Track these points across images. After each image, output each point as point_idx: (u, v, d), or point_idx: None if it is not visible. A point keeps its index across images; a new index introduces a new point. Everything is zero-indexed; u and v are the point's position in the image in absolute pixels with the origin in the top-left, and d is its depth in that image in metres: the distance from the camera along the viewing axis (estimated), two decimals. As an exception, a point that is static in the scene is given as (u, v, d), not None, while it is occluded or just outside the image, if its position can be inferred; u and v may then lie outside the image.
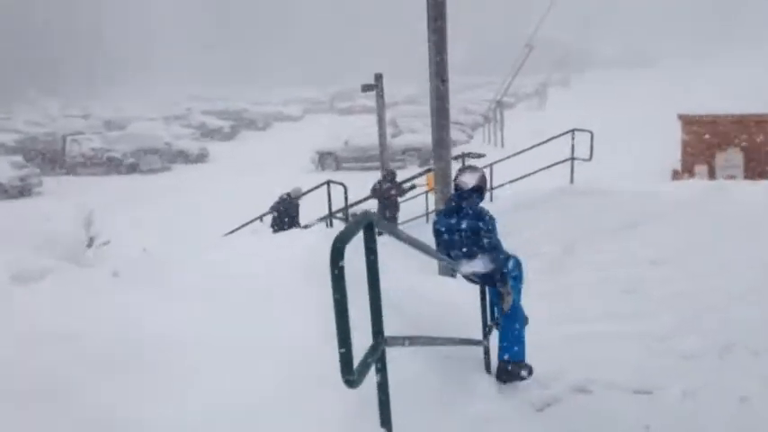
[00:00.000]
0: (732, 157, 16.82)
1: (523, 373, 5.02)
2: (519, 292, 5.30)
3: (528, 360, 5.25)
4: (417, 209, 13.60)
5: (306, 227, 10.13)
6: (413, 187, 12.55)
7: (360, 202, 11.38)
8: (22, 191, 25.97)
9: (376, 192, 11.77)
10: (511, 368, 4.99)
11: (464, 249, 4.88)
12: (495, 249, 4.88)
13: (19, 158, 28.71)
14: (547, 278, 7.54)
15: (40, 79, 65.72)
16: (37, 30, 68.66)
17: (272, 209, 11.18)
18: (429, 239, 8.10)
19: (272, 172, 25.80)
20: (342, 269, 2.11)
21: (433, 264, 7.29)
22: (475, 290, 5.23)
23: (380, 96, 15.76)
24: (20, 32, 67.08)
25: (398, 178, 12.74)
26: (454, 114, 38.80)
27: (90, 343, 3.57)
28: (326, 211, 10.34)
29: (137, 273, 4.74)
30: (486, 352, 5.04)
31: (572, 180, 11.59)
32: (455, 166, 12.74)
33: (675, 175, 17.40)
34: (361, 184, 12.85)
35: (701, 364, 5.22)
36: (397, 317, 4.79)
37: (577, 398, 4.95)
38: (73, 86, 65.82)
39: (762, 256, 7.14)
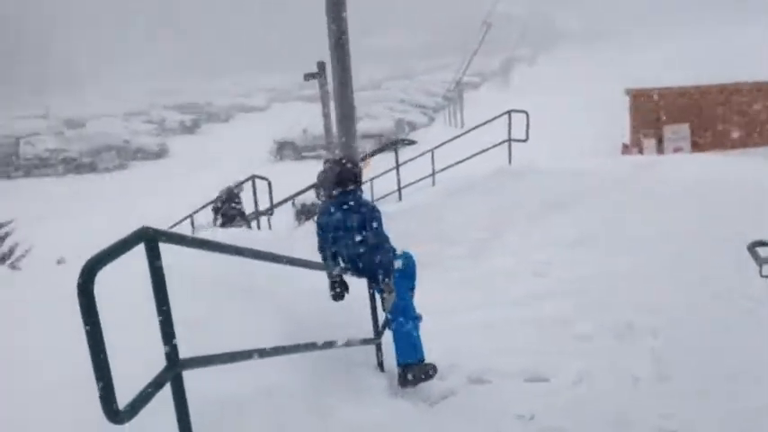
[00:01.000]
0: (679, 130, 16.90)
1: (426, 374, 4.85)
2: (411, 289, 5.21)
3: (429, 353, 5.18)
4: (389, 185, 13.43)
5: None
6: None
7: (301, 192, 11.19)
8: (-28, 196, 25.49)
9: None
10: (412, 373, 4.83)
11: (352, 244, 4.76)
12: (381, 243, 4.76)
13: (-30, 163, 28.19)
14: (468, 265, 7.49)
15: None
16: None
17: (214, 208, 10.98)
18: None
19: (230, 165, 25.50)
20: (91, 298, 1.97)
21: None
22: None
23: (324, 85, 15.55)
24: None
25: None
26: (417, 97, 39.16)
27: None
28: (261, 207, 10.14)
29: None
30: (378, 349, 4.94)
31: (510, 161, 11.52)
32: (386, 155, 12.74)
33: (624, 150, 17.48)
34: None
35: (597, 346, 5.19)
36: (285, 321, 4.71)
37: (473, 389, 4.88)
38: (30, 86, 64.50)
39: (679, 234, 7.13)
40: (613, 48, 55.84)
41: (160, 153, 32.76)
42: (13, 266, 9.37)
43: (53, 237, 13.78)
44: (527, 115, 11.06)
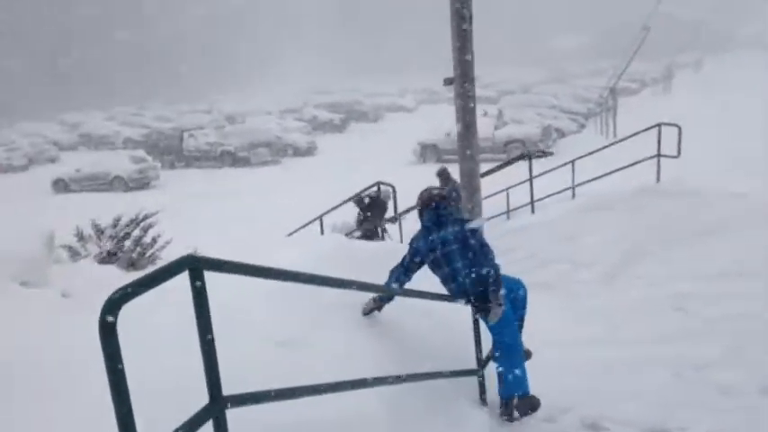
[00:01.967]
0: None
1: (532, 407, 4.54)
2: (521, 319, 4.81)
3: (540, 387, 4.76)
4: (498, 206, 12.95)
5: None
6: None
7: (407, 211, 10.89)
8: (140, 184, 27.58)
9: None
10: (516, 406, 4.54)
11: (463, 260, 4.49)
12: (487, 252, 4.45)
13: (140, 152, 30.51)
14: (598, 291, 6.88)
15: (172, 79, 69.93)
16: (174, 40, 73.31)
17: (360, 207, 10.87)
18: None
19: (374, 164, 25.82)
20: (113, 336, 1.81)
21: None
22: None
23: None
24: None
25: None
26: (568, 102, 37.68)
27: None
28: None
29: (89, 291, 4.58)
30: (481, 382, 4.57)
31: (658, 179, 10.59)
32: (519, 165, 12.12)
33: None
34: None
35: (738, 402, 4.48)
36: (379, 344, 4.45)
37: (587, 436, 4.40)
38: (196, 84, 69.33)
39: None
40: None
41: (309, 150, 33.82)
42: (154, 257, 9.84)
43: (199, 227, 14.54)
44: (679, 130, 10.11)
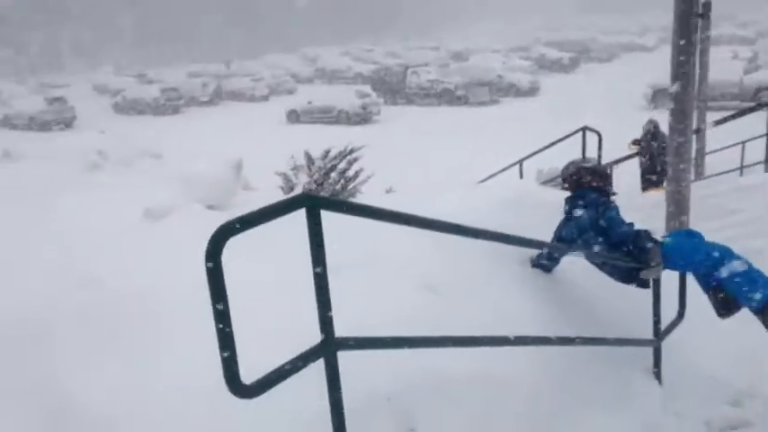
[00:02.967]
0: None
1: None
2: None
3: (726, 370, 4.26)
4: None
5: None
6: None
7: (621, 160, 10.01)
8: (363, 118, 28.79)
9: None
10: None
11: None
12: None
13: (365, 88, 31.75)
14: None
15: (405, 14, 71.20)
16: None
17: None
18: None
19: (599, 108, 24.43)
20: (218, 268, 1.84)
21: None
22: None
23: (705, 29, 13.39)
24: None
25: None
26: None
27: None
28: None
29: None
30: (657, 354, 4.14)
31: None
32: (753, 117, 10.56)
33: None
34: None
35: None
36: (541, 303, 4.22)
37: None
38: (430, 18, 69.83)
39: None
40: None
41: (531, 91, 32.86)
42: (354, 190, 10.29)
43: (404, 165, 14.85)
44: None
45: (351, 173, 10.43)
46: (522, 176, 9.87)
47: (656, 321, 4.11)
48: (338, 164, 10.38)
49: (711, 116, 12.16)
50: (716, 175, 10.93)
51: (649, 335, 4.09)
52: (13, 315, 3.61)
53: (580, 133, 8.88)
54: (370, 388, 2.87)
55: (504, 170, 10.06)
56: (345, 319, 2.65)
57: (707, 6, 11.95)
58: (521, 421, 3.32)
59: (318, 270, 2.16)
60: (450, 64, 40.07)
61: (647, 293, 4.12)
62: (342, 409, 2.30)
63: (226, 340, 1.90)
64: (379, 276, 3.57)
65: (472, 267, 4.11)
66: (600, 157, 8.53)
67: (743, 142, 10.91)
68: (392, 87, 34.08)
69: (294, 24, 71.19)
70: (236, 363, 1.92)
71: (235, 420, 2.71)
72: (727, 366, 4.26)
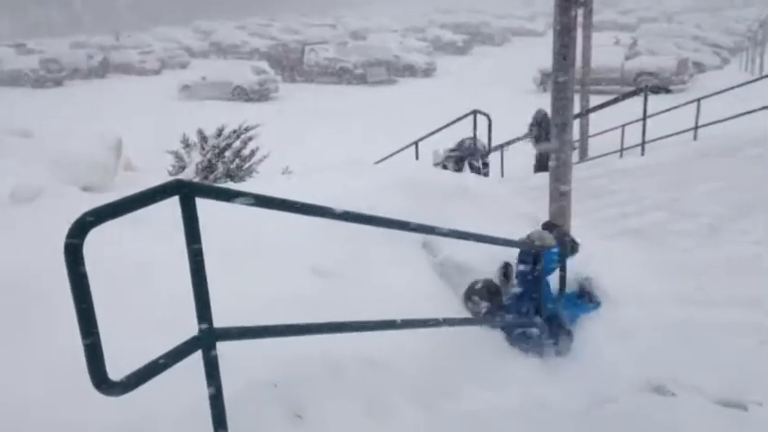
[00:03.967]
0: None
1: None
2: None
3: (613, 346, 4.53)
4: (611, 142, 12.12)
5: None
6: None
7: (511, 141, 10.35)
8: (260, 95, 28.20)
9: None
10: None
11: None
12: None
13: (262, 64, 31.10)
14: (694, 245, 6.31)
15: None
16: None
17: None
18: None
19: (492, 91, 25.06)
20: (78, 260, 1.73)
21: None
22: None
23: (587, 15, 13.95)
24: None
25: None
26: (713, 35, 34.59)
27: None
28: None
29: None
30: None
31: (792, 125, 9.53)
32: (632, 101, 11.17)
33: None
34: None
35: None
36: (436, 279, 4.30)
37: (646, 399, 4.07)
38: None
39: None
40: None
41: (427, 72, 33.25)
42: (251, 169, 10.06)
43: (301, 144, 14.64)
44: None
45: (246, 152, 10.18)
46: (417, 157, 9.98)
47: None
48: (233, 142, 10.10)
49: (594, 100, 12.74)
50: (598, 157, 11.47)
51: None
52: None
53: (472, 116, 9.07)
54: (255, 375, 2.82)
55: (400, 151, 10.14)
56: (229, 307, 2.59)
57: (588, -6, 12.51)
58: (410, 400, 3.37)
59: (195, 260, 2.09)
60: (348, 42, 39.85)
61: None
62: (222, 400, 2.25)
63: (89, 336, 1.79)
64: (266, 262, 3.51)
65: (365, 251, 4.11)
66: (490, 139, 8.75)
67: (622, 126, 11.49)
68: (290, 64, 33.57)
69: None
70: (100, 359, 1.82)
71: (108, 413, 2.58)
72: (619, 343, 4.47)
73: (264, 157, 10.22)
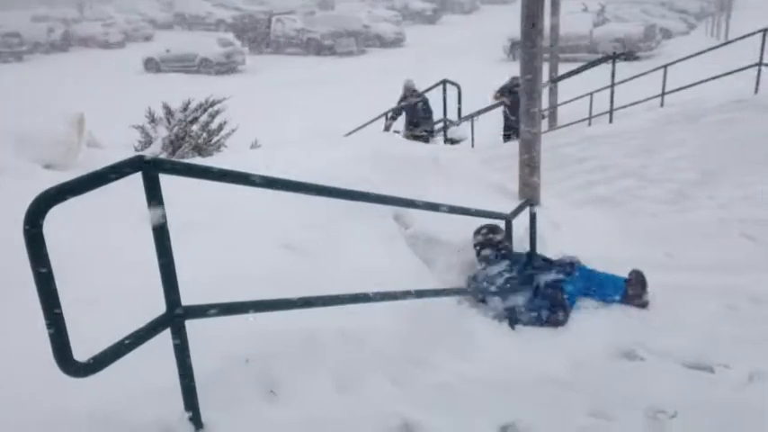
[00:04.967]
0: None
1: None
2: None
3: (583, 313, 4.62)
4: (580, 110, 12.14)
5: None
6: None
7: (486, 110, 10.30)
8: (227, 68, 27.76)
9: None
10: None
11: None
12: None
13: (228, 36, 30.57)
14: (663, 211, 6.40)
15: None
16: None
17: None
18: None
19: (461, 60, 24.98)
20: (38, 240, 1.68)
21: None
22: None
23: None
24: None
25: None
26: (679, 1, 34.71)
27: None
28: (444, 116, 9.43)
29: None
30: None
31: (756, 90, 9.64)
32: (602, 68, 11.20)
33: None
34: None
35: (791, 341, 4.10)
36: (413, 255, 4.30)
37: (615, 363, 4.14)
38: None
39: None
40: None
41: (396, 41, 32.99)
42: (219, 143, 9.91)
43: (271, 116, 14.47)
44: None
45: (214, 126, 10.01)
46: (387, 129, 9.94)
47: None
48: (200, 116, 9.92)
49: (563, 67, 12.76)
50: (567, 125, 11.52)
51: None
52: None
53: (442, 85, 9.03)
54: (227, 351, 2.80)
55: (369, 123, 10.07)
56: (199, 284, 2.56)
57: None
58: (384, 373, 3.38)
59: (160, 238, 2.05)
60: (315, 12, 39.32)
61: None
62: (192, 378, 2.23)
63: (52, 317, 1.76)
64: (236, 237, 3.47)
65: (336, 224, 4.09)
66: (460, 109, 8.73)
67: (591, 93, 11.52)
68: (256, 36, 33.05)
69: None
70: (65, 339, 1.79)
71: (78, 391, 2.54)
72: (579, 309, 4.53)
73: (233, 130, 10.06)
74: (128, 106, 13.33)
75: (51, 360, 1.80)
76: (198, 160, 6.80)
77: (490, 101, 11.21)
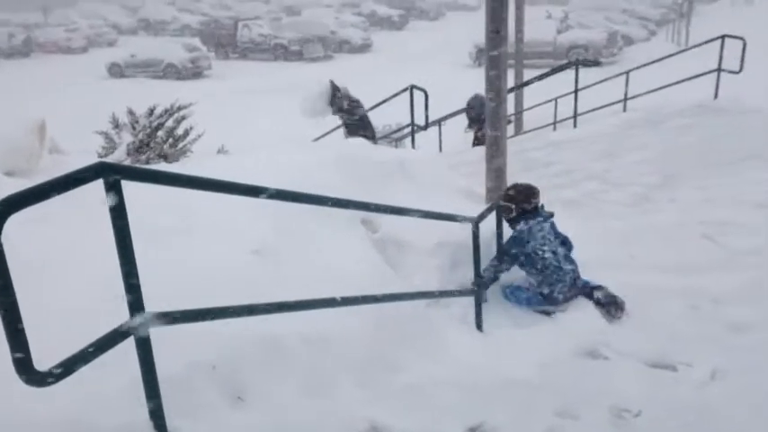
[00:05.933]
0: None
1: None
2: None
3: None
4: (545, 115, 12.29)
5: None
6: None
7: (452, 115, 10.40)
8: (193, 73, 27.52)
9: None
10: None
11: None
12: None
13: (194, 41, 30.33)
14: (625, 214, 6.51)
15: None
16: None
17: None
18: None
19: (428, 66, 25.12)
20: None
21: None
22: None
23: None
24: None
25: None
26: (641, 7, 35.40)
27: None
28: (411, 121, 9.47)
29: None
30: (478, 303, 4.38)
31: (716, 95, 9.88)
32: (564, 74, 11.40)
33: None
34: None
35: (750, 339, 4.18)
36: (378, 258, 4.31)
37: (580, 363, 4.19)
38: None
39: None
40: None
41: (364, 47, 33.05)
42: (185, 149, 9.80)
43: (238, 122, 14.31)
44: (744, 43, 9.29)
45: (180, 131, 9.91)
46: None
47: (477, 273, 4.34)
48: (165, 122, 9.80)
49: (528, 74, 12.92)
50: (532, 130, 11.66)
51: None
52: None
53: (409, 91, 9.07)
54: (193, 357, 2.78)
55: (338, 128, 10.06)
56: (165, 290, 2.54)
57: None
58: (352, 377, 3.38)
59: (123, 246, 2.03)
60: (282, 18, 39.21)
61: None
62: (157, 386, 2.21)
63: (11, 325, 1.73)
64: (203, 243, 3.44)
65: (304, 229, 4.08)
66: (427, 114, 8.78)
67: (555, 99, 11.68)
68: (223, 41, 32.82)
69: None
70: (25, 347, 1.76)
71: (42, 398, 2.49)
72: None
73: (199, 136, 9.97)
74: (91, 112, 13.15)
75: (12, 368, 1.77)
76: (163, 166, 6.74)
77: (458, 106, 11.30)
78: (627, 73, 10.91)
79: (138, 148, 9.61)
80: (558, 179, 7.73)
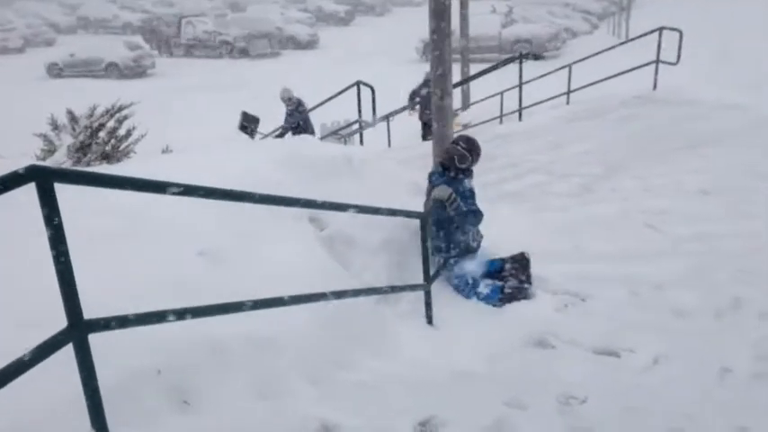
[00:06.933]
0: None
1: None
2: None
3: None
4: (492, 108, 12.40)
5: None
6: None
7: (399, 111, 10.43)
8: (135, 72, 26.92)
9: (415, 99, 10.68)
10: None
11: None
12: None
13: (137, 39, 29.66)
14: (570, 204, 6.64)
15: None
16: None
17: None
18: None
19: (375, 61, 25.13)
20: None
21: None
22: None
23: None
24: None
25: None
26: (583, 1, 36.01)
27: None
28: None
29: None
30: (428, 298, 4.40)
31: (655, 87, 10.14)
32: (511, 68, 11.58)
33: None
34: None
35: (691, 324, 4.31)
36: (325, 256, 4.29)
37: (529, 352, 4.25)
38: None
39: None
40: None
41: (311, 43, 32.85)
42: (128, 150, 9.59)
43: (182, 121, 14.05)
44: (680, 34, 9.56)
45: (122, 132, 9.68)
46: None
47: (426, 270, 4.35)
48: (107, 122, 9.56)
49: (474, 68, 13.04)
50: (479, 124, 11.77)
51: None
52: None
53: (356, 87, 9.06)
54: (137, 363, 2.72)
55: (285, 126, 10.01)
56: (107, 295, 2.48)
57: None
58: (302, 377, 3.36)
59: (58, 251, 1.97)
60: (227, 14, 38.65)
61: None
62: (98, 393, 2.16)
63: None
64: (147, 246, 3.37)
65: (251, 229, 4.03)
66: (374, 110, 8.78)
67: (501, 93, 11.82)
68: (166, 39, 32.19)
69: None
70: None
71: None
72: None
73: (142, 136, 9.76)
74: (30, 114, 12.75)
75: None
76: (104, 168, 6.58)
77: (406, 101, 11.35)
78: (569, 66, 11.09)
79: (79, 150, 9.35)
80: (504, 172, 7.83)
